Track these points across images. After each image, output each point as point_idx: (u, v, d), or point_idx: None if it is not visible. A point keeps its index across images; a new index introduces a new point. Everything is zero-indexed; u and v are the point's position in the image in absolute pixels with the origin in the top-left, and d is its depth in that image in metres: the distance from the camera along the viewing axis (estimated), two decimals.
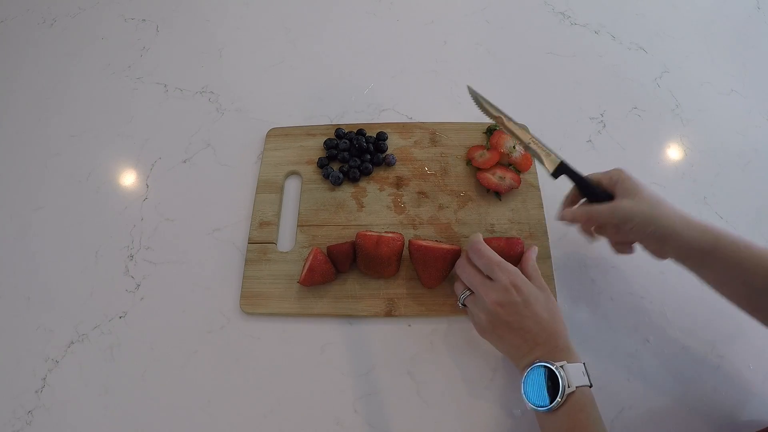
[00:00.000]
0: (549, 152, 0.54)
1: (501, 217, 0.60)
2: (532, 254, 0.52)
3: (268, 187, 0.63)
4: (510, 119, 0.56)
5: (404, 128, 0.67)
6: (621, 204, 0.48)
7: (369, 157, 0.64)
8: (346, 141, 0.64)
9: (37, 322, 0.57)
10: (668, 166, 0.66)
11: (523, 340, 0.46)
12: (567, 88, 0.72)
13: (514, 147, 0.62)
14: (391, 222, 0.60)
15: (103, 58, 0.78)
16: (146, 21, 0.81)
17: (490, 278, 0.48)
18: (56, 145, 0.70)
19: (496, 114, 0.56)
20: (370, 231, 0.55)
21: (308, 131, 0.67)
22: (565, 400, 0.42)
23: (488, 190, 0.62)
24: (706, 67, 0.74)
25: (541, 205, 0.61)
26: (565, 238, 0.59)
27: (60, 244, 0.62)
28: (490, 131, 0.65)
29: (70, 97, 0.74)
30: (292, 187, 0.64)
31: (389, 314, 0.55)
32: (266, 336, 0.55)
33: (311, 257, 0.54)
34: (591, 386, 0.43)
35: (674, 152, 0.67)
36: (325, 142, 0.65)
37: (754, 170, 0.65)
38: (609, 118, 0.69)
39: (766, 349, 0.53)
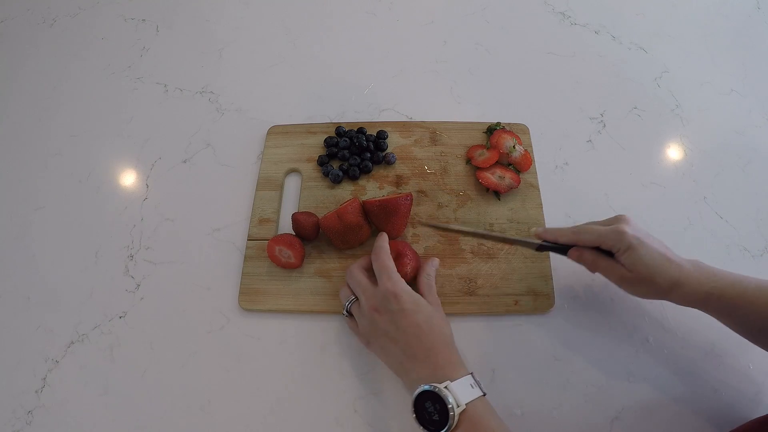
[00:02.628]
0: (526, 241, 0.52)
1: (500, 216, 0.60)
2: (430, 267, 0.52)
3: (268, 185, 0.63)
4: (465, 230, 0.56)
5: (404, 127, 0.67)
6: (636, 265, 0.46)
7: (369, 155, 0.64)
8: (347, 139, 0.64)
9: (37, 322, 0.57)
10: (668, 166, 0.66)
11: (402, 351, 0.45)
12: (567, 88, 0.72)
13: (513, 147, 0.62)
14: None
15: (103, 58, 0.78)
16: (146, 21, 0.81)
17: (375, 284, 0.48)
18: (56, 145, 0.70)
19: (457, 230, 0.57)
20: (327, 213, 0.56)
21: (309, 129, 0.67)
22: (457, 422, 0.40)
23: (488, 190, 0.62)
24: (706, 67, 0.74)
25: (540, 205, 0.61)
26: None
27: (60, 244, 0.62)
28: (490, 131, 0.65)
29: (70, 97, 0.74)
30: (292, 184, 0.65)
31: None
32: (266, 336, 0.55)
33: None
34: (485, 394, 0.42)
35: (674, 152, 0.67)
36: (325, 140, 0.65)
37: (754, 170, 0.65)
38: (609, 118, 0.69)
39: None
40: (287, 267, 0.57)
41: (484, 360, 0.53)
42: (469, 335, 0.54)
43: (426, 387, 0.41)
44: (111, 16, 0.82)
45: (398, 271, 0.52)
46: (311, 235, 0.58)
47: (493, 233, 0.55)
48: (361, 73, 0.74)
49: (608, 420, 0.50)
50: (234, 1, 0.83)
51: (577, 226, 0.50)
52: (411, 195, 0.57)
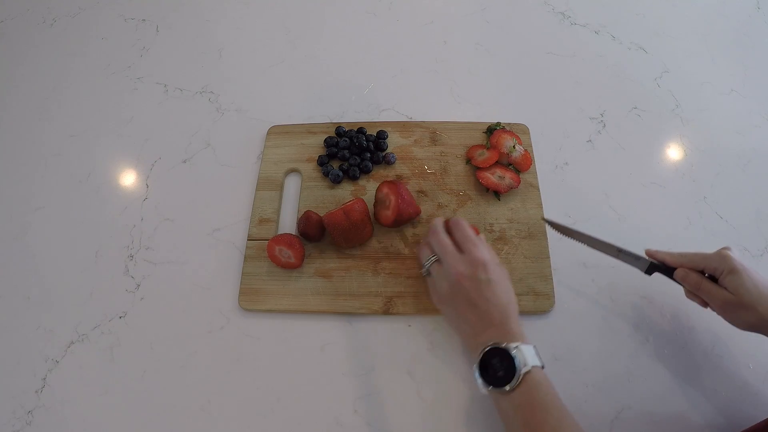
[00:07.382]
0: (638, 256, 0.52)
1: (500, 216, 0.60)
2: (466, 226, 0.52)
3: (268, 184, 0.63)
4: (594, 238, 0.54)
5: (404, 127, 0.67)
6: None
7: (369, 155, 0.64)
8: (347, 139, 0.64)
9: (37, 322, 0.57)
10: (668, 166, 0.66)
11: (479, 318, 0.47)
12: (567, 88, 0.72)
13: (513, 147, 0.62)
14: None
15: (103, 58, 0.78)
16: (146, 21, 0.81)
17: (460, 251, 0.49)
18: (56, 145, 0.70)
19: (582, 238, 0.54)
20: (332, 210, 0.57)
21: (309, 129, 0.67)
22: (521, 380, 0.42)
23: (487, 190, 0.62)
24: (706, 67, 0.74)
25: (540, 205, 0.61)
26: (564, 238, 0.59)
27: (60, 244, 0.62)
28: (490, 131, 0.65)
29: (70, 97, 0.74)
30: (292, 184, 0.65)
31: (387, 312, 0.55)
32: (266, 336, 0.55)
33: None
34: (543, 367, 0.44)
35: (674, 152, 0.67)
36: (325, 140, 0.65)
37: (754, 170, 0.65)
38: (609, 118, 0.69)
39: (766, 349, 0.53)
40: (287, 267, 0.57)
41: None
42: None
43: (499, 345, 0.44)
44: (111, 16, 0.82)
45: (381, 211, 0.56)
46: (318, 236, 0.57)
47: (609, 243, 0.53)
48: (361, 73, 0.74)
49: (608, 420, 0.50)
50: (234, 1, 0.83)
51: (684, 252, 0.50)
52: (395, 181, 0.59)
